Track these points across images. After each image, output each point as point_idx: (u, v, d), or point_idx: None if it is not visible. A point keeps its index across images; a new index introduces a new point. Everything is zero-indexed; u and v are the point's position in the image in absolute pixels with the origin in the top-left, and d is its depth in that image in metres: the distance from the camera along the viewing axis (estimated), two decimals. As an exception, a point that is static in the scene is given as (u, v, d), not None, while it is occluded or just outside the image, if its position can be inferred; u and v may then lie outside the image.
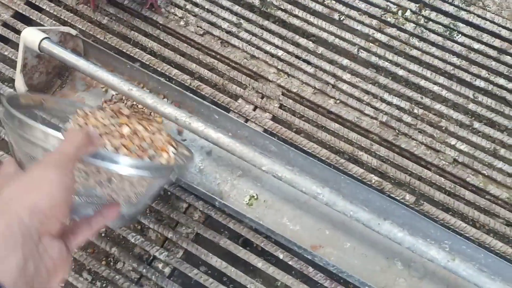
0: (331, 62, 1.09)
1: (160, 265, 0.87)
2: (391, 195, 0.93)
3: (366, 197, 0.89)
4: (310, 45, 1.10)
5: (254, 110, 1.01)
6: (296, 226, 0.90)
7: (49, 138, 0.51)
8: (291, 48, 1.08)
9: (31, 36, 0.85)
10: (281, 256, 0.86)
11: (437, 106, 1.05)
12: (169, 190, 0.91)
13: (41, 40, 0.85)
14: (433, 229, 0.86)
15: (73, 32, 0.95)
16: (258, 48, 1.08)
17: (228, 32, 1.10)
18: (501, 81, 1.08)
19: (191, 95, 0.96)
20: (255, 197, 0.91)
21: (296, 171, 0.78)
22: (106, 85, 0.84)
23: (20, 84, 0.90)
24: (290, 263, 0.86)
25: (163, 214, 0.90)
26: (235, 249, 0.86)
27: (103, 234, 0.95)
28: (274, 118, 1.02)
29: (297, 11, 1.13)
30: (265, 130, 0.99)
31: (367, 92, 1.05)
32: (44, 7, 1.09)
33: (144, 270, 0.86)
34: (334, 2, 1.16)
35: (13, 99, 0.66)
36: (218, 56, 1.07)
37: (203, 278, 0.84)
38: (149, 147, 0.66)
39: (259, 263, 0.86)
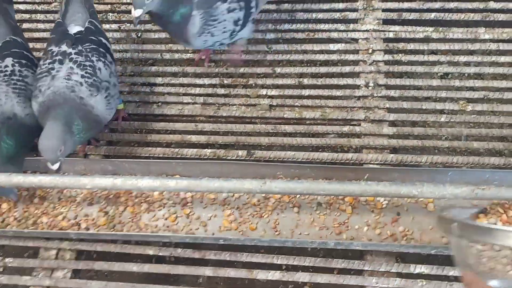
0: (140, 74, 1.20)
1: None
2: (227, 157, 1.05)
3: (202, 169, 0.99)
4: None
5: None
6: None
7: None
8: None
9: None
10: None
11: (241, 69, 1.18)
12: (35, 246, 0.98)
13: None
14: (264, 168, 0.98)
15: None
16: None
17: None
18: (286, 26, 1.23)
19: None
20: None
21: (121, 177, 0.88)
22: None
23: None
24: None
25: (37, 269, 0.96)
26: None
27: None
28: (110, 143, 1.11)
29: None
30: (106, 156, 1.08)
31: (181, 85, 1.17)
32: None
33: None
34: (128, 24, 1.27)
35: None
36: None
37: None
38: None
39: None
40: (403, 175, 0.94)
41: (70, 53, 0.90)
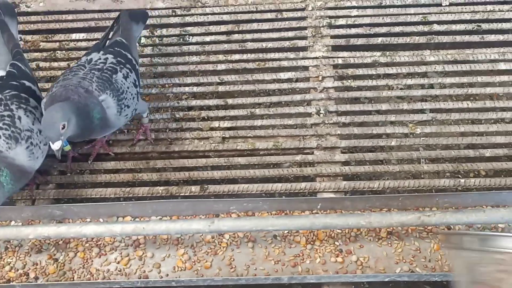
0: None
1: None
2: (181, 194, 1.03)
3: (154, 209, 0.97)
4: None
5: (37, 188, 1.07)
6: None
7: None
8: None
9: None
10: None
11: (193, 102, 1.17)
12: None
13: None
14: (216, 204, 0.97)
15: None
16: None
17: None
18: (237, 56, 1.23)
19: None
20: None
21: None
22: None
23: None
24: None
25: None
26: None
27: None
28: (59, 185, 1.08)
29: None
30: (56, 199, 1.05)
31: (131, 121, 1.15)
32: None
33: None
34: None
35: None
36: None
37: None
38: None
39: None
40: (355, 203, 0.94)
41: None
